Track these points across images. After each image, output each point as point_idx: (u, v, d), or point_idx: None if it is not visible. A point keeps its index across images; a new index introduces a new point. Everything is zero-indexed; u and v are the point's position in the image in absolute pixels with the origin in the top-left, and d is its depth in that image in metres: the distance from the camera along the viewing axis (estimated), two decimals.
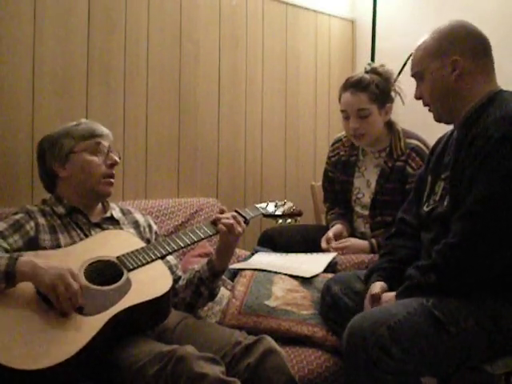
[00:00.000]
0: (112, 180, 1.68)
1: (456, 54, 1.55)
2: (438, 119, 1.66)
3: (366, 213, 2.28)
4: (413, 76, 1.66)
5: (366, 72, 2.21)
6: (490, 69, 1.59)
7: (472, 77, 1.56)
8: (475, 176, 1.46)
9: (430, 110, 1.66)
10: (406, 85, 2.28)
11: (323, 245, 2.24)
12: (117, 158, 1.69)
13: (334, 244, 2.20)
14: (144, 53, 2.35)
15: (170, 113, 2.46)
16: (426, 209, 1.66)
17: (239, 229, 1.62)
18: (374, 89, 2.16)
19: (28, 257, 1.39)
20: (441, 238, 1.53)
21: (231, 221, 1.61)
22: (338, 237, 2.26)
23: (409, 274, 1.54)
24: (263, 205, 1.87)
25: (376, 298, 1.62)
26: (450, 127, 1.71)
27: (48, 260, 1.39)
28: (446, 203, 1.57)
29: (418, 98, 1.66)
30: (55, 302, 1.34)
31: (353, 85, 2.18)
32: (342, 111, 2.23)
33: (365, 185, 2.30)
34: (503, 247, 1.43)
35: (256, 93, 2.81)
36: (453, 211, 1.52)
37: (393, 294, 1.57)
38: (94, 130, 1.68)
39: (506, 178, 1.42)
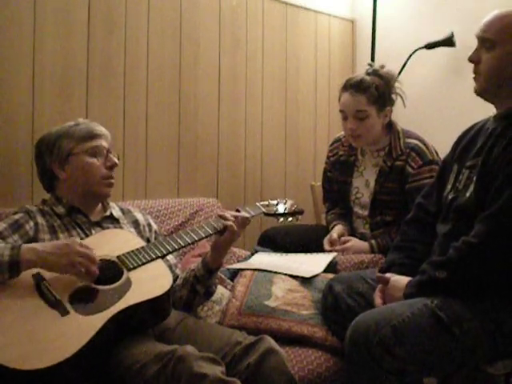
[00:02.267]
0: (112, 181, 1.68)
1: None
2: (480, 93, 1.59)
3: (366, 213, 2.28)
4: (480, 38, 1.57)
5: (368, 74, 2.19)
6: None
7: None
8: (508, 180, 1.43)
9: (474, 79, 1.59)
10: (408, 85, 2.29)
11: (326, 247, 2.24)
12: (116, 160, 1.69)
13: (336, 246, 2.20)
14: (144, 53, 2.35)
15: (170, 113, 2.46)
16: (450, 197, 1.63)
17: (239, 231, 1.64)
18: (374, 91, 2.15)
19: (30, 244, 1.40)
20: (457, 232, 1.52)
21: (234, 225, 1.62)
22: (340, 237, 2.26)
23: (422, 269, 1.53)
24: (264, 203, 1.86)
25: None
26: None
27: None
28: (468, 194, 1.55)
29: (472, 60, 1.58)
30: (78, 275, 1.38)
31: (353, 86, 2.17)
32: (341, 111, 2.23)
33: (364, 184, 2.30)
34: None
35: (256, 93, 2.81)
36: (475, 203, 1.50)
37: (404, 280, 1.56)
38: (93, 130, 1.67)
39: None
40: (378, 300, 1.60)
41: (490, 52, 1.54)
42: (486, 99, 1.61)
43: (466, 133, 1.74)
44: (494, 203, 1.44)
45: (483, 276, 1.45)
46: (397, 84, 2.23)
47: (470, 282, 1.46)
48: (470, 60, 1.59)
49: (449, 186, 1.67)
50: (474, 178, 1.54)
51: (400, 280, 1.58)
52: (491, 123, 1.61)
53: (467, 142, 1.68)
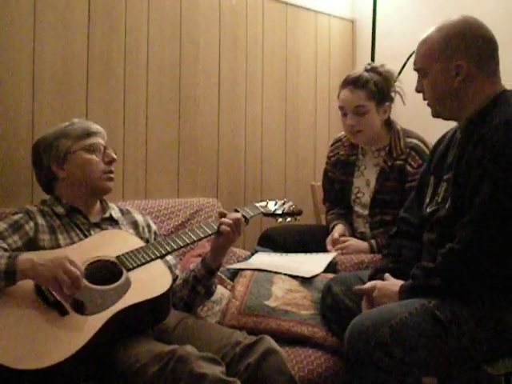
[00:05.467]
0: (112, 175, 1.68)
1: (462, 58, 1.52)
2: (436, 116, 1.64)
3: (366, 212, 2.28)
4: (415, 70, 1.62)
5: (366, 70, 2.21)
6: (496, 71, 1.57)
7: (476, 81, 1.53)
8: (479, 182, 1.44)
9: (428, 105, 1.63)
10: (407, 84, 2.28)
11: (329, 247, 2.23)
12: (114, 155, 1.70)
13: (336, 246, 2.20)
14: (144, 53, 2.35)
15: (170, 113, 2.46)
16: (428, 210, 1.65)
17: (237, 234, 1.64)
18: (373, 86, 2.16)
19: (27, 254, 1.39)
20: (443, 239, 1.52)
21: (228, 228, 1.62)
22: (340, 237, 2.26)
23: (413, 274, 1.53)
24: (263, 203, 1.86)
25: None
26: (450, 126, 1.71)
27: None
28: (448, 205, 1.56)
29: (418, 91, 1.63)
30: (58, 292, 1.35)
31: (351, 82, 2.18)
32: (340, 108, 2.24)
33: (364, 184, 2.30)
34: (507, 255, 1.41)
35: (256, 93, 2.81)
36: (455, 214, 1.51)
37: (395, 287, 1.55)
38: (89, 128, 1.68)
39: (510, 186, 1.41)
40: (365, 311, 1.59)
41: (426, 79, 1.58)
42: (445, 119, 1.65)
43: (438, 144, 1.76)
44: (470, 208, 1.45)
45: (477, 279, 1.45)
46: (396, 83, 2.24)
47: (465, 286, 1.46)
48: (416, 91, 1.63)
49: (427, 200, 1.68)
50: (451, 188, 1.56)
51: (389, 286, 1.57)
52: (458, 134, 1.63)
53: (441, 154, 1.69)
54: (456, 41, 1.53)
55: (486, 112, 1.52)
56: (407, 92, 2.25)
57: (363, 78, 2.17)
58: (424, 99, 1.63)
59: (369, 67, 2.22)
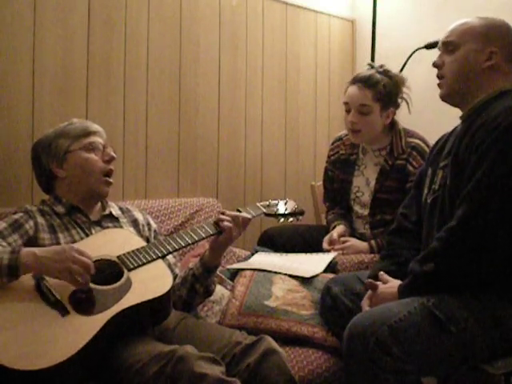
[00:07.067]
0: (110, 180, 1.68)
1: (497, 46, 1.59)
2: (445, 97, 1.66)
3: (366, 212, 2.28)
4: (444, 43, 1.66)
5: (379, 72, 2.21)
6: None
7: (498, 74, 1.59)
8: (478, 164, 1.46)
9: (439, 85, 1.66)
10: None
11: (325, 246, 2.24)
12: (113, 154, 1.70)
13: (336, 246, 2.20)
14: (144, 53, 2.35)
15: (170, 113, 2.46)
16: (428, 200, 1.66)
17: (239, 231, 1.63)
18: (381, 88, 2.16)
19: (29, 248, 1.39)
20: (441, 229, 1.52)
21: (230, 224, 1.62)
22: (340, 237, 2.26)
23: (410, 268, 1.54)
24: (270, 202, 1.86)
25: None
26: (451, 127, 1.72)
27: None
28: (446, 188, 1.57)
29: (436, 65, 1.66)
30: (71, 282, 1.35)
31: (361, 80, 2.18)
32: (345, 103, 2.24)
33: (364, 183, 2.30)
34: (502, 233, 1.42)
35: (256, 93, 2.81)
36: (454, 198, 1.52)
37: (393, 289, 1.56)
38: (88, 127, 1.68)
39: (509, 164, 1.42)
40: (365, 308, 1.60)
41: (453, 54, 1.63)
42: (452, 103, 1.67)
43: (437, 142, 1.78)
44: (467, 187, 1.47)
45: (470, 259, 1.44)
46: (405, 89, 2.24)
47: (459, 269, 1.45)
48: (435, 65, 1.66)
49: (426, 191, 1.69)
50: (449, 172, 1.57)
51: (389, 288, 1.57)
52: (459, 126, 1.65)
53: (439, 148, 1.72)
54: (497, 31, 1.62)
55: (490, 103, 1.56)
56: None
57: (374, 79, 2.17)
58: (438, 76, 1.66)
59: (381, 70, 2.21)
